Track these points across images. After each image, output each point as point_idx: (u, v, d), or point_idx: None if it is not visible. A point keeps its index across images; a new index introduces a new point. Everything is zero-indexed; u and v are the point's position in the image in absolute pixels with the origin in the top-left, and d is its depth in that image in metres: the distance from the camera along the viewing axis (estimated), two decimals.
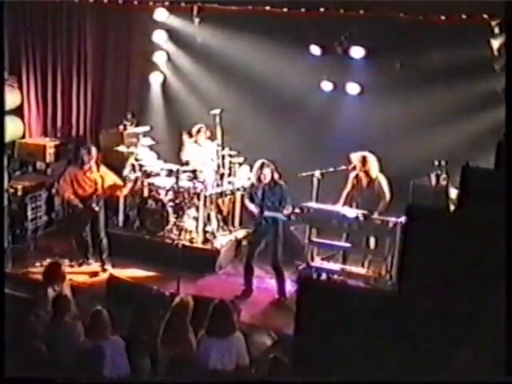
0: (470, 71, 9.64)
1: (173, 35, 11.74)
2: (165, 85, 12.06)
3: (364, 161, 9.43)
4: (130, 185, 10.54)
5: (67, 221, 11.03)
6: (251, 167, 10.00)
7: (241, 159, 10.85)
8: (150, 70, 12.00)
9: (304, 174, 9.66)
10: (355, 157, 9.49)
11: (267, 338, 8.24)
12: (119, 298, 8.29)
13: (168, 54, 11.88)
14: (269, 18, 10.68)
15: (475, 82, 9.70)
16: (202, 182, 10.49)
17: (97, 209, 10.09)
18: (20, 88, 12.52)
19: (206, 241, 10.52)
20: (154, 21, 11.63)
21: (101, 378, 6.36)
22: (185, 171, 10.60)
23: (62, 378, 6.09)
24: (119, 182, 10.37)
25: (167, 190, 10.66)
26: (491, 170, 9.11)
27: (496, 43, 9.19)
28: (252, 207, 9.54)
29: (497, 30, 9.19)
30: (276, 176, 9.45)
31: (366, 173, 9.47)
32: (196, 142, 11.00)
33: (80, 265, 10.25)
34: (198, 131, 10.91)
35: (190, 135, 11.03)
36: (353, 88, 10.83)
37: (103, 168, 10.18)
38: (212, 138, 10.92)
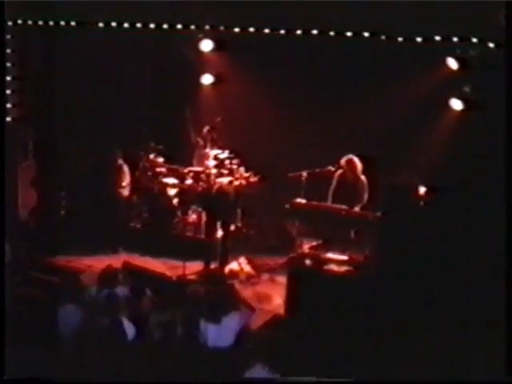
0: (437, 78, 10.40)
1: None
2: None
3: (351, 162, 10.51)
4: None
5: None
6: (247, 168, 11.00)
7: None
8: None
9: (292, 174, 10.55)
10: (343, 159, 10.51)
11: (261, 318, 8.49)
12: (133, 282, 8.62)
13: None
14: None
15: (441, 88, 10.40)
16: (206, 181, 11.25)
17: None
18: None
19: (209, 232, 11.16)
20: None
21: (101, 378, 6.44)
22: (190, 171, 11.45)
23: (61, 378, 6.31)
24: None
25: (175, 188, 11.54)
26: (455, 166, 10.00)
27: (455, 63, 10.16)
28: None
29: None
30: None
31: (352, 173, 10.51)
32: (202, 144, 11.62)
33: None
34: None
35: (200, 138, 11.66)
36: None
37: None
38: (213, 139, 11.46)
